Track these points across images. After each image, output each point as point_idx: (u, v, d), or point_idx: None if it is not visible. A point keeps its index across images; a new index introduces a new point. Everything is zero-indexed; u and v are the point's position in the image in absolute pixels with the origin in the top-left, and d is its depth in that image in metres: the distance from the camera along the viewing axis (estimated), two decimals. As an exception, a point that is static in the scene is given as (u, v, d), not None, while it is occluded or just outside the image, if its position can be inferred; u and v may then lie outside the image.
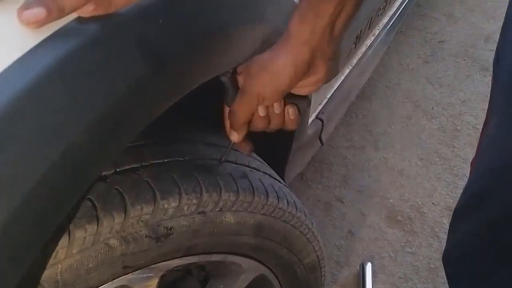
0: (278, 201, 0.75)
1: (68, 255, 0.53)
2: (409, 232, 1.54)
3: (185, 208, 0.61)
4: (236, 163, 0.73)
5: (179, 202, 0.60)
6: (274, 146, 1.00)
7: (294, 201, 0.80)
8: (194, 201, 0.62)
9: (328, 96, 1.22)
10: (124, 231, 0.56)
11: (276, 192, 0.75)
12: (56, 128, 0.40)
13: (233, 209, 0.67)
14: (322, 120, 1.17)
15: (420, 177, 1.70)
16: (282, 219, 0.76)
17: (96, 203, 0.55)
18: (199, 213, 0.63)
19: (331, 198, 1.63)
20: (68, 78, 0.42)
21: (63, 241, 0.52)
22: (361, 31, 1.20)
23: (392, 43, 2.24)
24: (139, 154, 0.62)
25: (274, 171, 0.85)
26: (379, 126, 1.88)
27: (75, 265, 0.54)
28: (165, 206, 0.59)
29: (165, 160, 0.64)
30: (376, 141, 1.82)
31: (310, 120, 1.12)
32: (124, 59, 0.46)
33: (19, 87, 0.39)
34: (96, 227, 0.54)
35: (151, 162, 0.62)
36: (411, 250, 1.49)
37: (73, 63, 0.42)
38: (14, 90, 0.39)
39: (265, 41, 0.68)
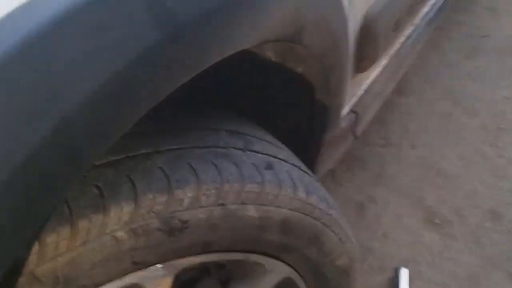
0: (307, 196, 0.68)
1: (70, 247, 0.48)
2: (448, 236, 1.45)
3: (203, 199, 0.56)
4: (262, 153, 0.67)
5: (196, 192, 0.55)
6: (305, 137, 0.93)
7: (326, 197, 0.73)
8: (213, 191, 0.56)
9: (364, 88, 1.15)
10: (133, 223, 0.52)
11: (305, 186, 0.69)
12: (49, 98, 0.35)
13: (256, 202, 0.61)
14: (356, 113, 1.11)
15: (460, 177, 1.61)
16: (312, 216, 0.70)
17: (103, 191, 0.50)
18: (218, 205, 0.57)
19: (363, 198, 1.56)
20: (66, 40, 0.36)
21: (65, 232, 0.47)
22: (400, 17, 1.12)
23: (432, 37, 2.15)
24: (153, 139, 0.57)
25: (304, 164, 0.79)
26: (416, 123, 1.81)
27: (78, 259, 0.49)
28: (180, 196, 0.54)
29: (182, 147, 0.58)
30: (413, 139, 1.75)
31: (344, 113, 1.05)
32: (133, 23, 0.40)
33: (8, 46, 0.33)
34: (102, 217, 0.50)
35: (167, 148, 0.57)
36: (449, 256, 1.40)
37: (73, 22, 0.36)
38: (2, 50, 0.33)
39: (296, 18, 0.61)
